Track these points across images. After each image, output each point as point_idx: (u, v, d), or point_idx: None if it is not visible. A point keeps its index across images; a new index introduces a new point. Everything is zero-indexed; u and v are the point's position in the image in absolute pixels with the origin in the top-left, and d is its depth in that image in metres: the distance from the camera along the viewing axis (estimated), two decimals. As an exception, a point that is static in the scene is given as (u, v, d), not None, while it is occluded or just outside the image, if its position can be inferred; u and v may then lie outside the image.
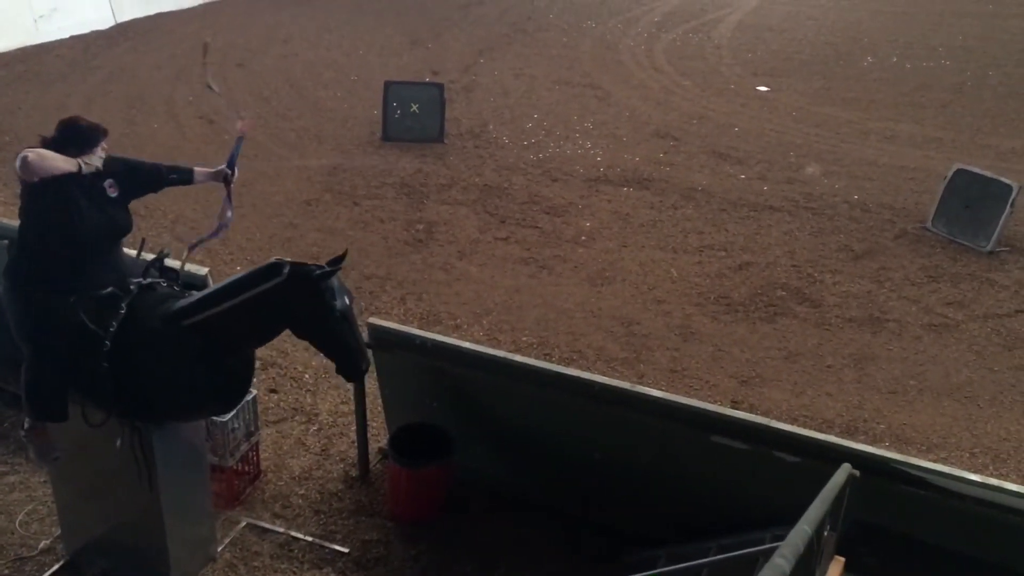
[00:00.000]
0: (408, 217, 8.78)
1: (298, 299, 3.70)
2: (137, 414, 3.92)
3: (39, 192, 3.73)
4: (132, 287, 3.91)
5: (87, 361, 3.78)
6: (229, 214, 4.32)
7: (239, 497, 5.09)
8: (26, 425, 4.09)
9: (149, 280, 3.99)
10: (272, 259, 3.79)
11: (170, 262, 4.27)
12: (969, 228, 8.63)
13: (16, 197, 4.02)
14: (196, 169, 4.20)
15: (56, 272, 3.81)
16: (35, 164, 3.57)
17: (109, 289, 3.85)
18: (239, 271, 7.53)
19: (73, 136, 3.81)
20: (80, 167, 3.71)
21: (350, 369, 3.93)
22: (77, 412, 3.90)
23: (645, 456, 4.65)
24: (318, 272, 3.68)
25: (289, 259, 3.79)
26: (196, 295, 3.95)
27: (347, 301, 3.77)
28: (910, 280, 8.02)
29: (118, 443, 3.94)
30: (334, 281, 3.73)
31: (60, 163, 3.65)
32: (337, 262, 3.76)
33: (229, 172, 4.23)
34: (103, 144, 3.88)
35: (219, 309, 3.76)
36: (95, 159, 3.84)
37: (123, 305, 3.84)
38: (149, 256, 4.28)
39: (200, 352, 3.81)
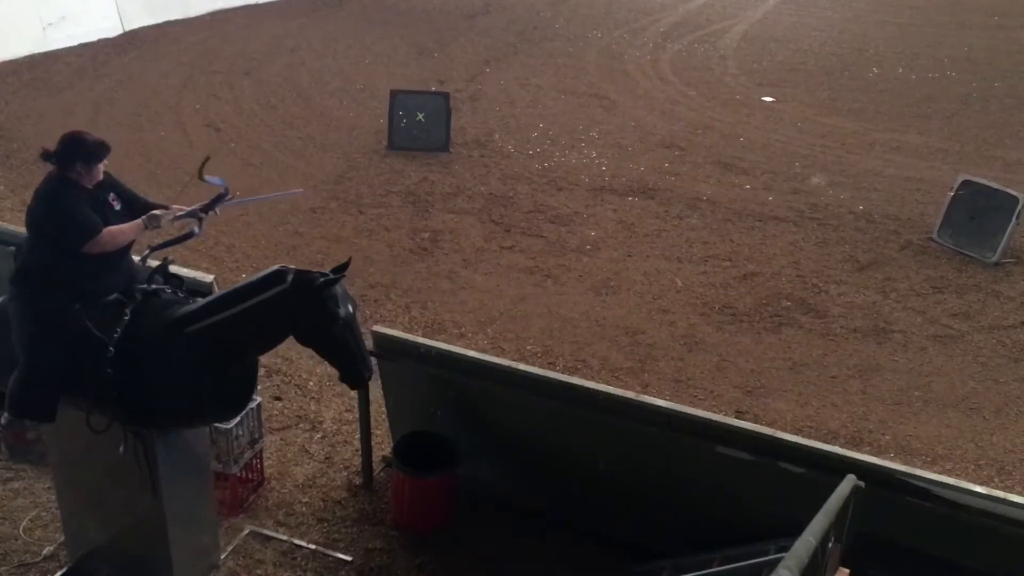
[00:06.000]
0: (413, 225, 8.79)
1: (302, 306, 3.71)
2: (141, 420, 3.93)
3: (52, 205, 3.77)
4: (137, 294, 3.93)
5: (91, 367, 3.80)
6: (196, 229, 4.27)
7: (242, 504, 5.09)
8: (3, 421, 4.10)
9: (154, 287, 4.01)
10: (276, 266, 3.80)
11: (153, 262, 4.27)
12: (975, 239, 8.61)
13: (24, 205, 4.05)
14: (174, 207, 4.15)
15: (66, 280, 3.83)
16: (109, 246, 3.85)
17: (114, 296, 3.88)
18: (244, 278, 7.59)
19: (79, 151, 3.85)
20: (146, 226, 3.97)
21: (353, 376, 3.94)
22: (81, 418, 3.91)
23: (649, 466, 4.64)
24: (322, 279, 3.70)
25: (293, 266, 3.80)
26: (200, 302, 3.96)
27: (351, 309, 3.78)
28: (915, 291, 8.01)
29: (121, 449, 3.95)
30: (338, 288, 3.74)
31: (129, 233, 3.93)
32: (341, 270, 3.78)
33: (203, 215, 4.20)
34: (105, 160, 3.91)
35: (223, 316, 3.78)
36: (98, 175, 3.90)
37: (127, 311, 3.86)
38: (145, 252, 4.29)
39: (204, 359, 3.82)
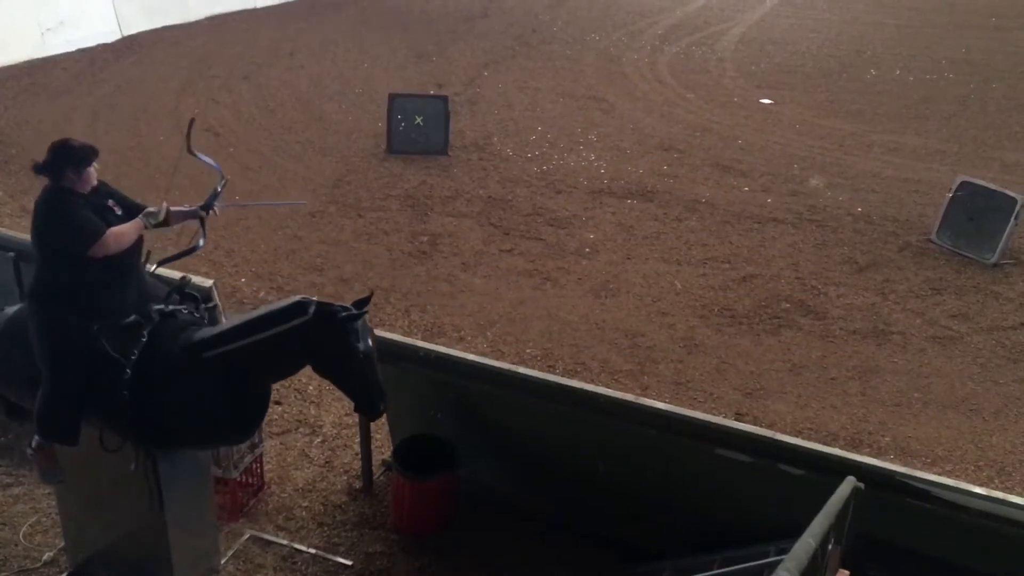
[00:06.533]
0: (412, 229, 8.80)
1: (322, 339, 3.69)
2: (154, 441, 3.92)
3: (56, 213, 3.77)
4: (154, 315, 3.91)
5: (107, 388, 3.79)
6: (201, 241, 4.27)
7: (242, 509, 5.09)
8: (33, 443, 4.09)
9: (171, 308, 3.99)
10: (298, 297, 3.78)
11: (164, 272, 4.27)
12: (973, 240, 8.62)
13: (23, 210, 4.05)
14: (172, 209, 4.10)
15: (78, 293, 3.82)
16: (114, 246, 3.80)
17: (132, 317, 3.86)
18: (243, 282, 7.61)
19: (67, 158, 3.82)
20: (145, 225, 3.94)
21: (369, 409, 3.95)
22: (90, 434, 3.90)
23: (649, 469, 4.65)
24: (344, 313, 3.67)
25: (315, 297, 3.78)
26: (219, 327, 3.95)
27: (371, 343, 3.76)
28: (914, 292, 8.01)
29: (132, 467, 3.94)
30: (359, 322, 3.72)
31: (132, 232, 3.89)
32: (363, 304, 3.76)
33: (204, 214, 4.19)
34: (95, 164, 3.90)
35: (241, 343, 3.75)
36: (91, 178, 3.88)
37: (145, 333, 3.84)
38: (152, 267, 4.29)
39: (220, 384, 3.80)
